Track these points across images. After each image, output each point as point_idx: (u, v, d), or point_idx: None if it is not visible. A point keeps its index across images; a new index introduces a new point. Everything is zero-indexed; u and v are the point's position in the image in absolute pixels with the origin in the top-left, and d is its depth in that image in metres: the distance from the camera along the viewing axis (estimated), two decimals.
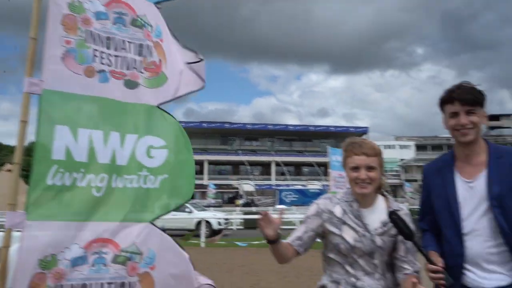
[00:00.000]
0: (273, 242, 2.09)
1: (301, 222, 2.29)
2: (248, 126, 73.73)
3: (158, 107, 2.58)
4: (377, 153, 2.14)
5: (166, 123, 2.61)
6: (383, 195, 2.26)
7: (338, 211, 2.19)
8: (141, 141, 2.47)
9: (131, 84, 2.47)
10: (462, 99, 2.04)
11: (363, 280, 2.10)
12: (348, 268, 2.13)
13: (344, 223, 2.15)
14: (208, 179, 64.19)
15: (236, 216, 24.64)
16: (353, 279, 2.11)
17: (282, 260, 2.22)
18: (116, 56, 2.43)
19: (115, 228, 2.32)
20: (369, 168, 2.11)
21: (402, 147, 74.70)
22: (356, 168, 2.12)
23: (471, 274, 2.03)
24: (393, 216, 2.02)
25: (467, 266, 2.04)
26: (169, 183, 2.55)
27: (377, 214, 2.17)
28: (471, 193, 2.08)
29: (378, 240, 2.11)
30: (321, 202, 2.26)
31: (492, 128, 74.40)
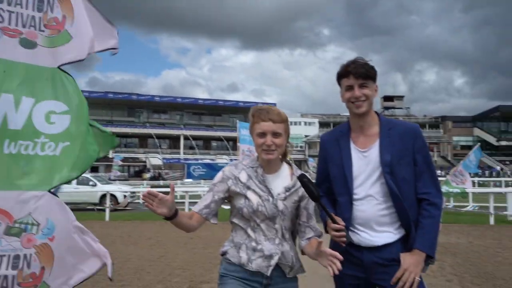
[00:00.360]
0: (170, 218, 2.08)
1: (209, 189, 2.31)
2: (157, 98, 71.61)
3: (60, 69, 2.40)
4: (283, 120, 2.21)
5: (69, 87, 2.43)
6: (288, 163, 2.36)
7: (243, 176, 2.25)
8: (40, 105, 2.30)
9: (28, 44, 2.26)
10: (356, 73, 2.20)
11: (263, 244, 2.18)
12: (250, 232, 2.20)
13: (249, 188, 2.21)
14: (114, 152, 61.64)
15: (143, 189, 24.12)
16: (253, 243, 2.19)
17: (188, 230, 2.25)
18: (9, 11, 2.21)
19: (7, 198, 2.17)
20: (275, 134, 2.18)
21: (307, 124, 77.83)
22: (262, 134, 2.18)
23: (364, 234, 2.22)
24: (304, 178, 2.11)
25: (360, 227, 2.23)
26: (71, 151, 2.42)
27: (281, 180, 2.26)
28: (365, 161, 2.25)
29: (281, 205, 2.19)
30: (226, 169, 2.30)
31: (387, 108, 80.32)
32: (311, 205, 2.28)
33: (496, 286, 5.73)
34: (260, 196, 2.19)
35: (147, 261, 7.67)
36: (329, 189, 2.38)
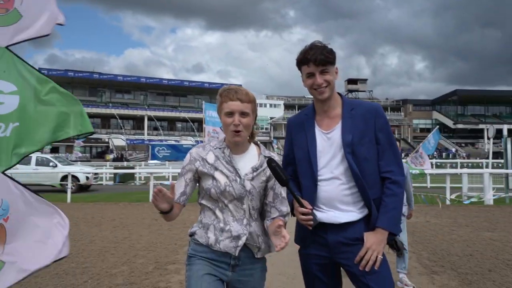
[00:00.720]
0: (166, 212, 2.12)
1: (179, 174, 2.31)
2: (120, 78, 69.67)
3: (8, 49, 2.32)
4: (251, 100, 2.22)
5: (19, 67, 2.37)
6: (255, 143, 2.37)
7: (210, 157, 2.24)
8: None
9: None
10: (315, 60, 2.19)
11: (231, 225, 2.19)
12: (218, 213, 2.21)
13: (216, 168, 2.21)
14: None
15: (106, 170, 23.68)
16: (221, 224, 2.20)
17: (173, 219, 2.26)
18: None
19: None
20: (243, 113, 2.19)
21: (272, 106, 78.06)
22: (230, 114, 2.18)
23: (329, 213, 2.25)
24: (273, 163, 2.13)
25: (325, 207, 2.26)
26: (21, 131, 2.37)
27: (248, 161, 2.27)
28: (329, 143, 2.28)
29: (248, 185, 2.21)
30: (193, 151, 2.30)
31: (350, 91, 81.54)
32: (278, 185, 2.29)
33: (451, 262, 6.02)
34: (227, 177, 2.20)
35: (111, 242, 7.59)
36: (295, 172, 2.40)
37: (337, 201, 2.24)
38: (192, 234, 2.29)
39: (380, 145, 2.25)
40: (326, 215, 2.25)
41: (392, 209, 2.20)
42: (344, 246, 2.21)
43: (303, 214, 2.20)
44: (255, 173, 2.24)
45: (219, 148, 2.27)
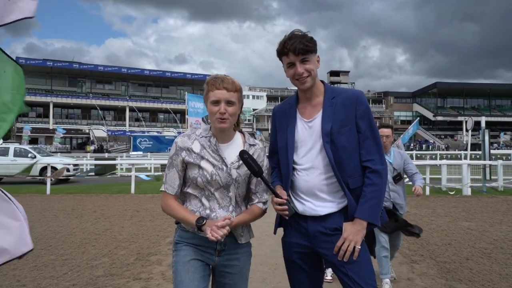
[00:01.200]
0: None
1: (168, 164, 2.31)
2: (100, 68, 68.33)
3: None
4: (237, 89, 2.23)
5: None
6: (240, 132, 2.39)
7: (196, 147, 2.25)
8: None
9: None
10: (294, 50, 2.17)
11: (217, 212, 2.22)
12: (204, 201, 2.24)
13: (202, 157, 2.23)
14: (55, 123, 58.95)
15: (87, 161, 23.37)
16: (207, 211, 2.23)
17: None
18: None
19: None
20: (229, 102, 2.20)
21: (255, 97, 77.92)
22: (216, 102, 2.19)
23: (309, 204, 2.26)
24: (244, 155, 2.17)
25: (304, 197, 2.27)
26: None
27: (234, 149, 2.29)
28: (310, 132, 2.28)
29: (234, 173, 2.24)
30: (179, 140, 2.30)
31: (333, 83, 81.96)
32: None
33: (430, 251, 6.13)
34: (214, 166, 2.22)
35: (92, 234, 7.51)
36: (279, 165, 2.40)
37: (317, 190, 2.24)
38: (178, 222, 2.32)
39: (361, 133, 2.23)
40: (305, 207, 2.26)
41: (371, 199, 2.18)
42: (324, 235, 2.22)
43: (279, 204, 2.20)
44: (240, 162, 2.26)
45: (205, 137, 2.28)
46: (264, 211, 2.35)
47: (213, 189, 2.23)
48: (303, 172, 2.27)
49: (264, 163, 2.36)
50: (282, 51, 2.23)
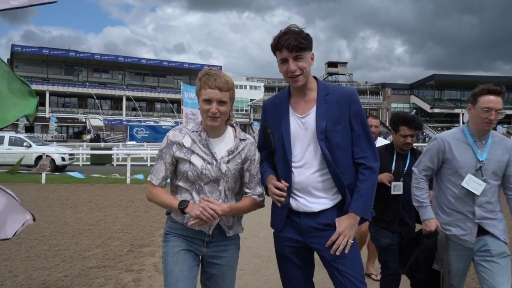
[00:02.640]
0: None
1: (157, 156, 2.33)
2: (97, 56, 67.91)
3: None
4: (229, 88, 2.22)
5: None
6: (231, 125, 2.39)
7: (187, 141, 2.26)
8: None
9: None
10: (288, 46, 2.15)
11: None
12: (194, 194, 2.25)
13: (193, 152, 2.24)
14: (51, 112, 58.66)
15: (83, 151, 23.31)
16: None
17: None
18: None
19: None
20: (221, 102, 2.19)
21: (252, 87, 77.63)
22: (208, 101, 2.18)
23: (302, 200, 2.27)
24: (268, 129, 2.21)
25: (298, 193, 2.28)
26: None
27: (224, 144, 2.30)
28: (303, 128, 2.27)
29: (224, 167, 2.25)
30: (170, 134, 2.31)
31: (330, 74, 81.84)
32: (253, 166, 2.35)
33: None
34: (204, 160, 2.24)
35: (85, 225, 7.50)
36: (271, 157, 2.38)
37: (311, 187, 2.26)
38: (168, 213, 2.37)
39: (354, 131, 2.26)
40: (300, 203, 2.28)
41: (365, 195, 2.23)
42: (317, 231, 2.25)
43: (278, 188, 2.20)
44: (230, 156, 2.29)
45: (196, 131, 2.30)
46: (259, 204, 2.38)
47: (203, 183, 2.26)
48: (297, 169, 2.28)
49: (256, 157, 2.38)
50: (276, 46, 2.21)
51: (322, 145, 2.20)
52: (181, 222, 2.27)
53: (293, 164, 2.27)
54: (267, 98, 2.55)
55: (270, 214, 2.44)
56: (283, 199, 2.20)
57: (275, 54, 2.27)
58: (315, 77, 2.36)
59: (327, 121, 2.21)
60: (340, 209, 2.26)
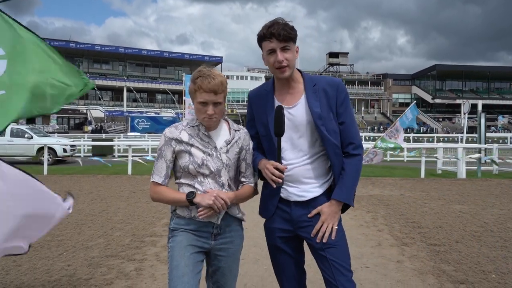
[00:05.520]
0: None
1: (157, 155, 2.35)
2: (97, 47, 67.80)
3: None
4: (224, 89, 2.26)
5: (7, 27, 2.15)
6: (224, 119, 2.44)
7: (184, 136, 2.30)
8: None
9: None
10: (278, 35, 2.19)
11: None
12: (198, 187, 2.29)
13: (192, 145, 2.28)
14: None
15: (84, 142, 23.37)
16: None
17: None
18: None
19: None
20: (216, 103, 2.24)
21: (253, 78, 77.45)
22: (204, 103, 2.22)
23: (293, 189, 2.32)
24: (282, 110, 2.21)
25: (289, 183, 2.32)
26: (5, 100, 2.22)
27: (221, 136, 2.36)
28: (291, 118, 2.30)
29: (224, 158, 2.30)
30: (167, 131, 2.34)
31: (332, 64, 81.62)
32: (248, 155, 2.42)
33: (421, 234, 6.22)
34: (203, 152, 2.28)
35: (87, 215, 7.57)
36: (259, 145, 2.45)
37: (301, 176, 2.31)
38: (174, 210, 2.38)
39: (341, 119, 2.31)
40: (290, 193, 2.32)
41: (347, 182, 2.28)
42: (307, 220, 2.30)
43: (277, 168, 2.23)
44: (228, 146, 2.34)
45: (192, 127, 2.34)
46: (255, 191, 2.46)
47: (205, 175, 2.29)
48: (287, 160, 2.32)
49: (250, 146, 2.44)
50: (266, 35, 2.23)
51: (323, 130, 2.25)
52: (188, 217, 2.29)
53: (282, 155, 2.31)
54: (251, 90, 2.58)
55: (260, 201, 2.48)
56: (281, 180, 2.24)
57: (261, 45, 2.30)
58: (299, 70, 2.41)
59: (320, 108, 2.26)
60: (328, 196, 2.31)
